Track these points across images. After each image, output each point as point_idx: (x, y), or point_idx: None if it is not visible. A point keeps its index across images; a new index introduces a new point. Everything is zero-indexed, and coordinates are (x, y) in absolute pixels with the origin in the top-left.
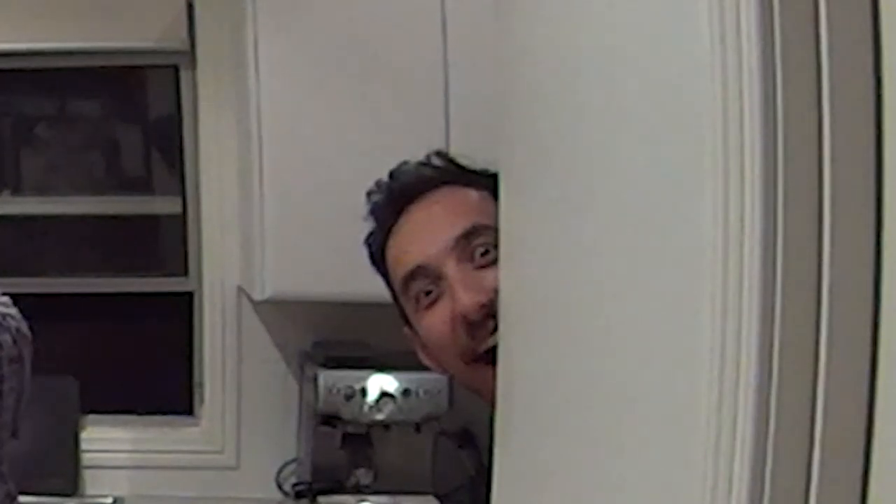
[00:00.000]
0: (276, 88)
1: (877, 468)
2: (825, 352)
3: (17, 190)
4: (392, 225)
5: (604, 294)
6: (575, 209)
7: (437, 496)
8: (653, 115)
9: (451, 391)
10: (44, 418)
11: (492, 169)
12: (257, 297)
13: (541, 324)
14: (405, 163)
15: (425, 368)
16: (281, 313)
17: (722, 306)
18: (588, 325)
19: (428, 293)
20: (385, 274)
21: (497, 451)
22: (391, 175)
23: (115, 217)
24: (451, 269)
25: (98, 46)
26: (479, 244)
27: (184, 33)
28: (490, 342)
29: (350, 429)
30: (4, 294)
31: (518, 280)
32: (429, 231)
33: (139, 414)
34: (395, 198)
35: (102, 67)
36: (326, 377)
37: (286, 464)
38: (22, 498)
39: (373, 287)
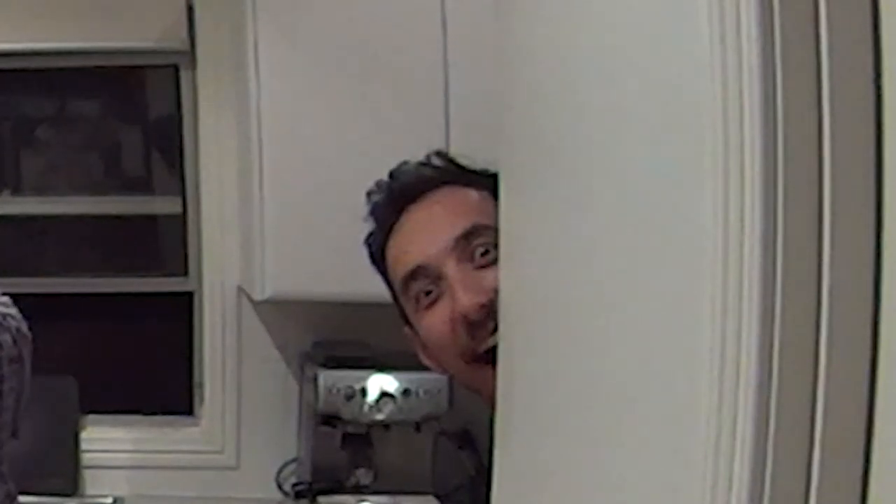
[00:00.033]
0: (276, 88)
1: (877, 468)
2: (825, 352)
3: (17, 190)
4: (392, 225)
5: (604, 294)
6: (575, 209)
7: (437, 496)
8: (653, 115)
9: (451, 391)
10: (44, 418)
11: (492, 169)
12: (257, 297)
13: (541, 324)
14: (405, 163)
15: (425, 368)
16: (281, 313)
17: (722, 306)
18: (588, 325)
19: (428, 293)
20: (385, 274)
21: (497, 451)
22: (391, 175)
23: (115, 217)
24: (451, 269)
25: (98, 46)
26: (479, 244)
27: (184, 33)
28: (490, 342)
29: (350, 429)
30: (4, 294)
31: (518, 280)
32: (429, 231)
33: (139, 414)
34: (396, 198)
35: (102, 67)
36: (326, 377)
37: (286, 464)
38: (22, 498)
39: (373, 287)
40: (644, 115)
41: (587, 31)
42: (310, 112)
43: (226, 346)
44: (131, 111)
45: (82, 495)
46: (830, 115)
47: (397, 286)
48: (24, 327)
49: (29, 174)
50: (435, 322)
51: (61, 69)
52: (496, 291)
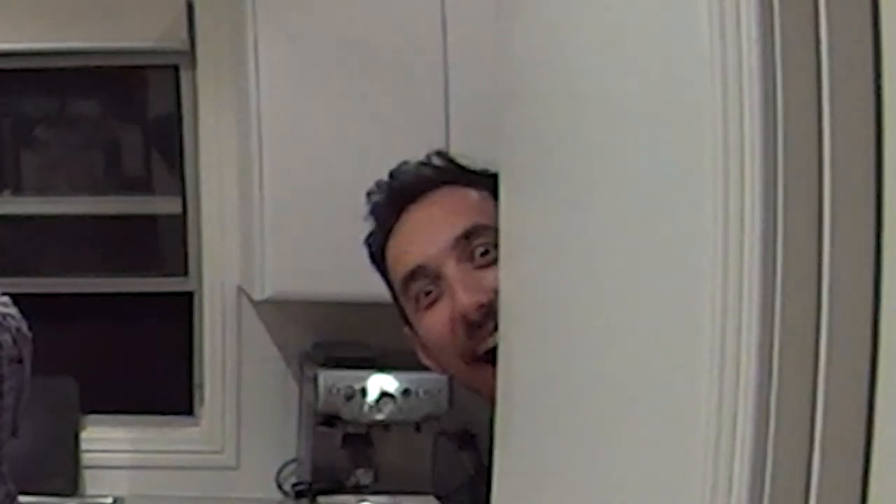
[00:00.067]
0: (276, 88)
1: (877, 468)
2: (825, 352)
3: (17, 190)
4: (392, 225)
5: (604, 294)
6: (575, 209)
7: (437, 496)
8: (653, 114)
9: (451, 391)
10: (44, 418)
11: (492, 169)
12: (257, 297)
13: (541, 324)
14: (405, 163)
15: (425, 368)
16: (281, 313)
17: (722, 306)
18: (588, 325)
19: (428, 293)
20: (385, 274)
21: (497, 451)
22: (391, 175)
23: (115, 217)
24: (451, 269)
25: (98, 46)
26: (479, 244)
27: (184, 33)
28: (490, 342)
29: (350, 429)
30: (4, 294)
31: (518, 280)
32: (429, 231)
33: (139, 414)
34: (395, 198)
35: (102, 67)
36: (326, 377)
37: (286, 464)
38: (22, 498)
39: (373, 287)
40: (644, 115)
41: (587, 31)
42: (310, 112)
43: (226, 346)
44: (131, 111)
45: (82, 495)
46: (830, 115)
47: (397, 286)
48: (24, 327)
49: (29, 174)
50: (435, 322)
51: (61, 69)
52: (496, 291)
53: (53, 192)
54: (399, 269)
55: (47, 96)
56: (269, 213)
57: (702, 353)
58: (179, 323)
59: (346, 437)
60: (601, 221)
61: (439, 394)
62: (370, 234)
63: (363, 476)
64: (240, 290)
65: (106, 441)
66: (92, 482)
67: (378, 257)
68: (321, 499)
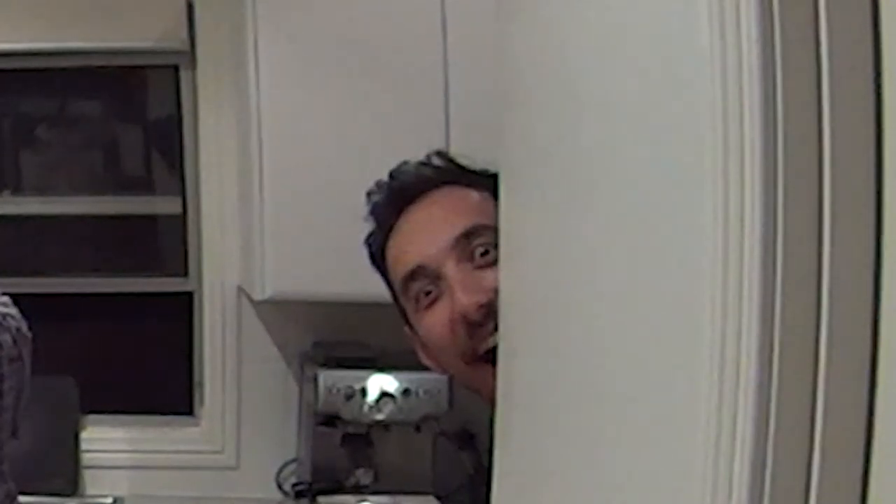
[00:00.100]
0: (276, 88)
1: (877, 468)
2: (825, 352)
3: (17, 190)
4: (392, 225)
5: (604, 294)
6: (575, 209)
7: (437, 496)
8: (653, 115)
9: (451, 391)
10: (44, 418)
11: (492, 169)
12: (257, 297)
13: (541, 324)
14: (405, 163)
15: (425, 368)
16: (281, 313)
17: (722, 306)
18: (588, 325)
19: (428, 293)
20: (385, 274)
21: (497, 451)
22: (391, 175)
23: (115, 217)
24: (451, 269)
25: (98, 46)
26: (479, 244)
27: (184, 33)
28: (490, 342)
29: (350, 429)
30: (4, 294)
31: (518, 280)
32: (428, 231)
33: (139, 414)
34: (395, 198)
35: (102, 67)
36: (326, 377)
37: (286, 464)
38: (22, 498)
39: (373, 287)
40: (644, 115)
41: (587, 31)
42: (310, 112)
43: (226, 346)
44: (131, 111)
45: (82, 495)
46: (830, 115)
47: (397, 286)
48: (24, 327)
49: (29, 174)
50: (435, 322)
51: (61, 69)
52: (496, 291)
53: (53, 192)
54: (399, 269)
55: (47, 96)
56: (269, 213)
57: (702, 354)
58: (179, 323)
59: (346, 437)
60: (601, 221)
61: (439, 394)
62: (370, 234)
63: (363, 476)
64: (240, 290)
65: (106, 441)
66: (92, 482)
67: (378, 257)
68: (321, 499)
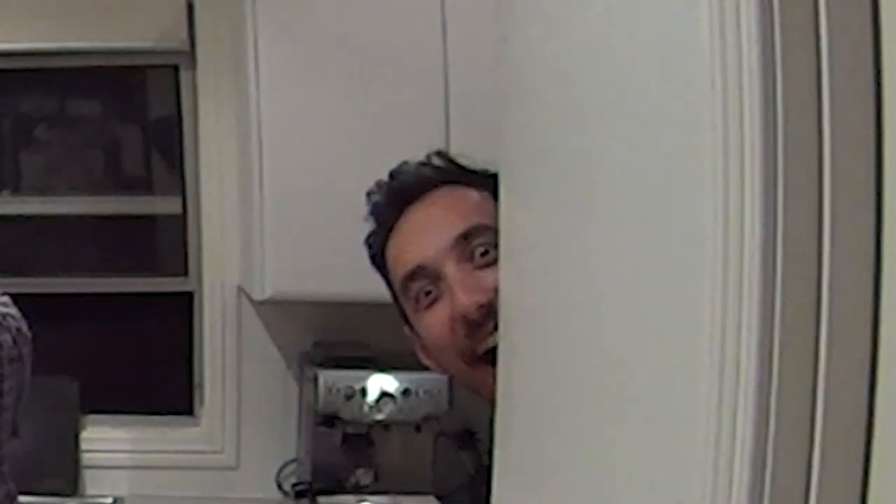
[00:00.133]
0: (276, 88)
1: (877, 468)
2: (825, 352)
3: (17, 190)
4: (392, 225)
5: (604, 294)
6: (575, 209)
7: (437, 496)
8: (652, 115)
9: (451, 391)
10: (44, 418)
11: (492, 169)
12: (257, 297)
13: (541, 324)
14: (405, 163)
15: (425, 368)
16: (281, 313)
17: (722, 306)
18: (588, 325)
19: (428, 293)
20: (385, 274)
21: (497, 451)
22: (391, 175)
23: (114, 217)
24: (451, 269)
25: (98, 46)
26: (479, 244)
27: (184, 33)
28: (490, 342)
29: (350, 429)
30: (4, 294)
31: (518, 280)
32: (428, 231)
33: (139, 414)
34: (395, 198)
35: (102, 67)
36: (326, 377)
37: (286, 464)
38: (22, 498)
39: (373, 287)
40: (644, 115)
41: (587, 31)
42: (310, 112)
43: (226, 346)
44: (131, 111)
45: (82, 495)
46: (830, 115)
47: (397, 286)
48: (24, 327)
49: (29, 174)
50: (435, 322)
51: (61, 69)
52: (496, 291)
53: (53, 192)
54: (399, 269)
55: (47, 96)
56: (269, 213)
57: (702, 353)
58: (179, 323)
59: (346, 437)
60: (601, 221)
61: (439, 394)
62: (370, 234)
63: (363, 476)
64: (240, 290)
65: (106, 441)
66: (92, 482)
67: (378, 257)
68: (321, 499)
